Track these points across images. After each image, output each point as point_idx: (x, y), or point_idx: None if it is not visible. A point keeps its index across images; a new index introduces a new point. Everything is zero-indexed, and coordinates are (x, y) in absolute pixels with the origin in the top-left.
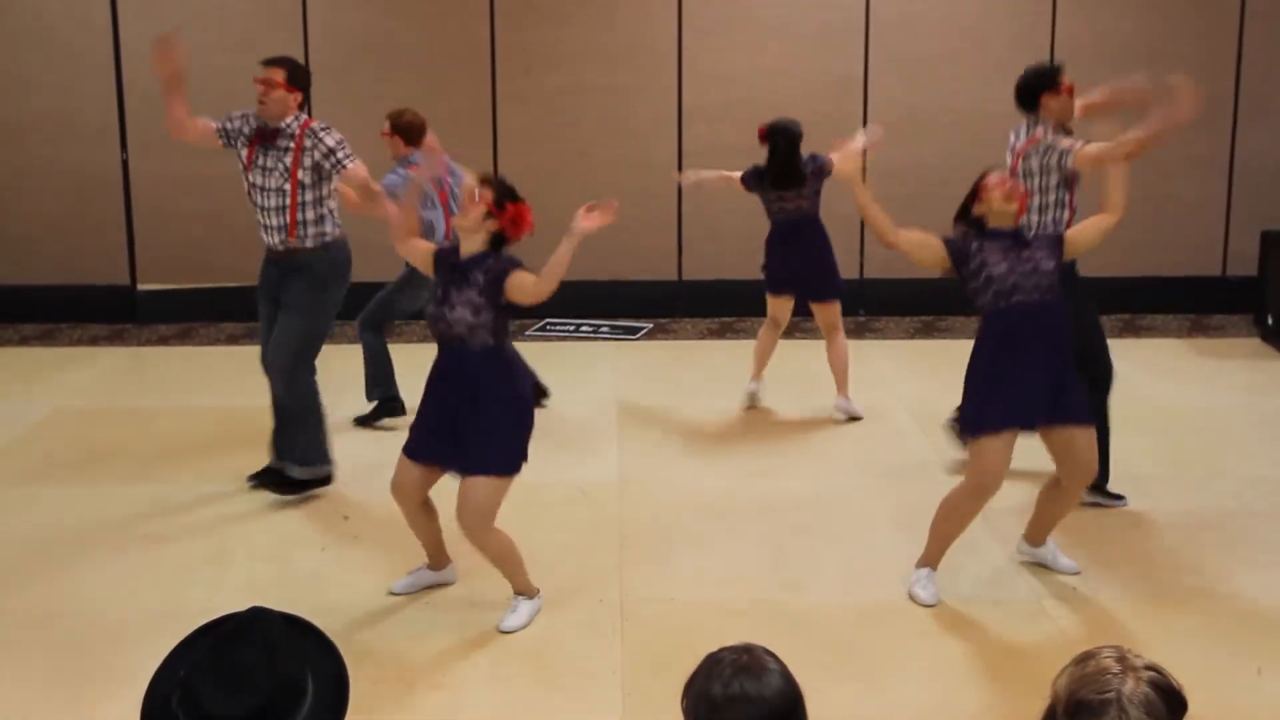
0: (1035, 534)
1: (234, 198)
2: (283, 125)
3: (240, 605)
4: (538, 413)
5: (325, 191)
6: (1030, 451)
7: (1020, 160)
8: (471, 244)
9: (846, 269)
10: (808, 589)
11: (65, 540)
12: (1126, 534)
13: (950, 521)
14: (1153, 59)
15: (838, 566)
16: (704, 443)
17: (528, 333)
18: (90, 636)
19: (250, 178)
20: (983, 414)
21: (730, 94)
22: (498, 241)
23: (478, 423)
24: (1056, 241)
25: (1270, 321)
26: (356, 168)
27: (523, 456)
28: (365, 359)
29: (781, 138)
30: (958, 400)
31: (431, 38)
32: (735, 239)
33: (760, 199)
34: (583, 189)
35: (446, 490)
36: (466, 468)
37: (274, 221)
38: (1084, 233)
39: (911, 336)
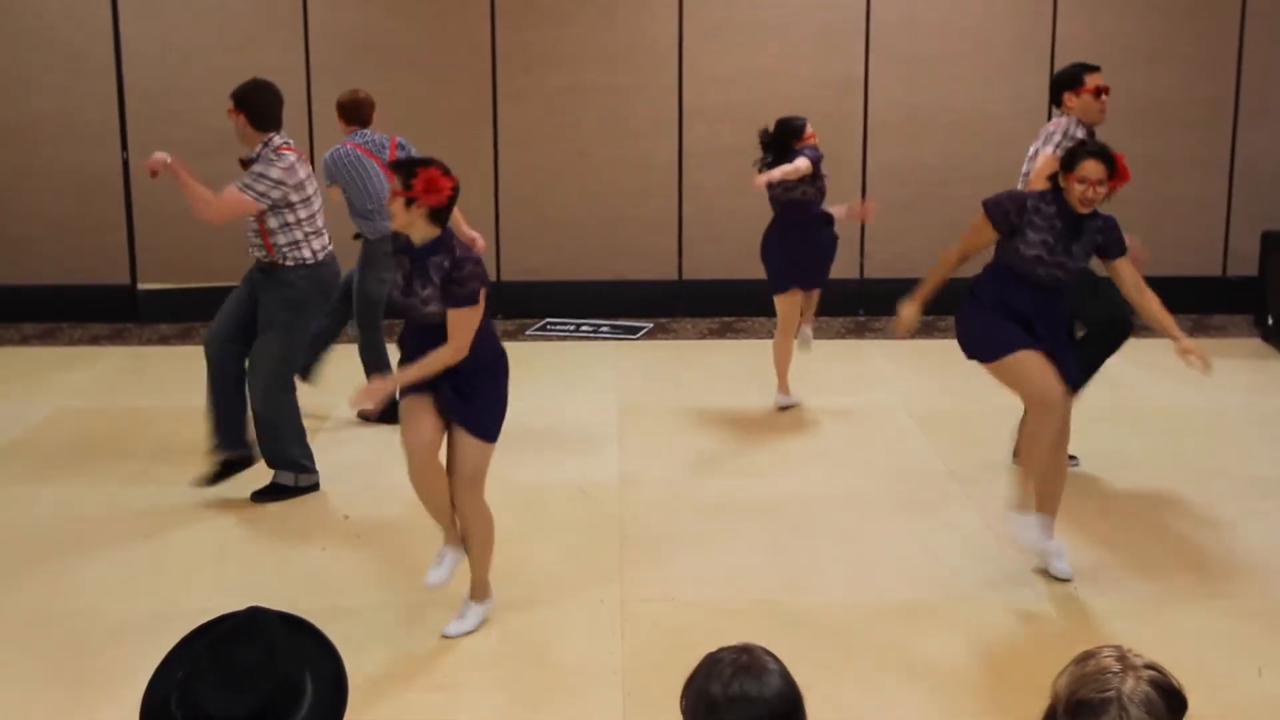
0: (1043, 504)
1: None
2: (252, 154)
3: (240, 605)
4: (539, 414)
5: (293, 217)
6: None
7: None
8: (415, 233)
9: (847, 269)
10: (808, 589)
11: (65, 540)
12: (1127, 534)
13: (1031, 453)
14: (1153, 59)
15: (838, 566)
16: (704, 443)
17: (528, 332)
18: (90, 636)
19: None
20: (994, 339)
21: (730, 94)
22: (435, 217)
23: (467, 385)
24: (1109, 246)
25: (1270, 321)
26: (230, 193)
27: (499, 427)
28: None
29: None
30: (960, 401)
31: (432, 37)
32: (735, 239)
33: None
34: (583, 189)
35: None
36: (466, 420)
37: (254, 241)
38: (1123, 275)
39: (912, 336)
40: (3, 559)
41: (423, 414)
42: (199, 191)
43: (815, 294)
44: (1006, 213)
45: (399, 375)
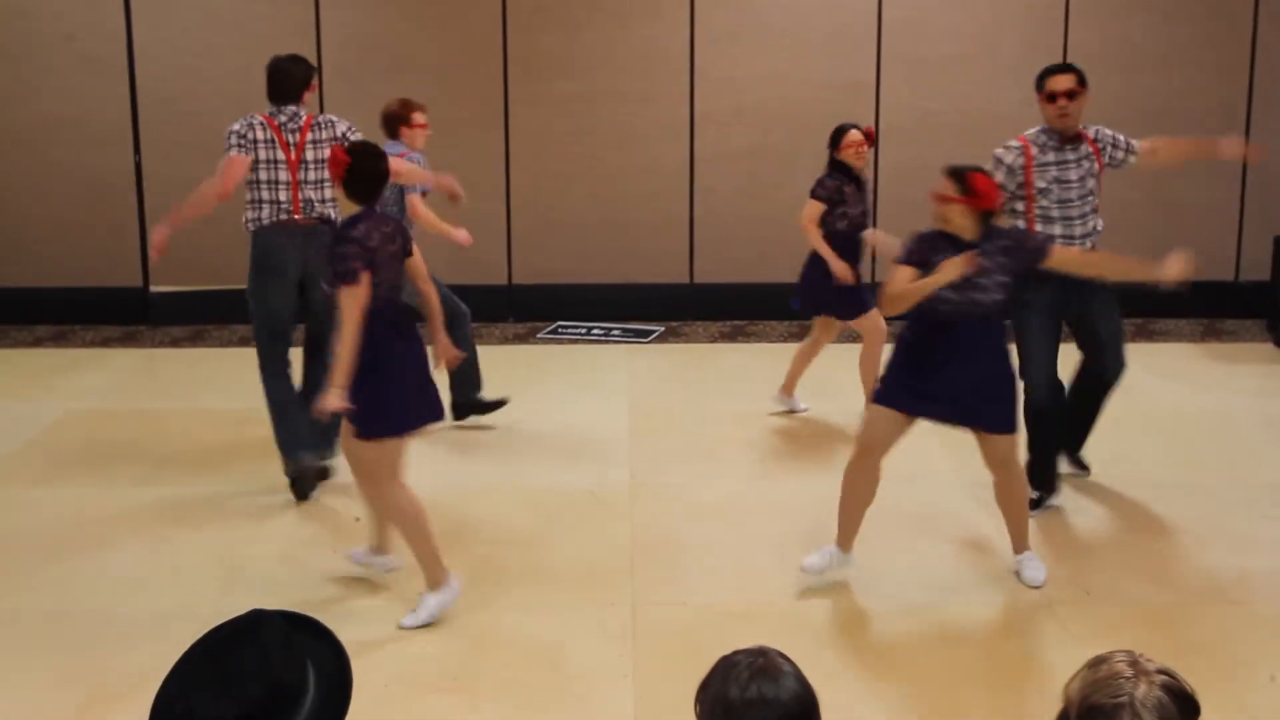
0: (1015, 542)
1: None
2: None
3: (252, 607)
4: (549, 417)
5: (254, 176)
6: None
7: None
8: (344, 209)
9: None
10: (818, 593)
11: (77, 542)
12: (1138, 538)
13: (843, 488)
14: (1165, 62)
15: (849, 570)
16: (715, 446)
17: (539, 335)
18: (102, 637)
19: None
20: (882, 384)
21: (741, 99)
22: (350, 192)
23: (354, 380)
24: (1029, 255)
25: None
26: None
27: (380, 425)
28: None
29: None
30: None
31: (444, 42)
32: (747, 242)
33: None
34: (594, 193)
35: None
36: (348, 416)
37: None
38: (1067, 261)
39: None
40: (15, 560)
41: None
42: (199, 194)
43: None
44: (920, 257)
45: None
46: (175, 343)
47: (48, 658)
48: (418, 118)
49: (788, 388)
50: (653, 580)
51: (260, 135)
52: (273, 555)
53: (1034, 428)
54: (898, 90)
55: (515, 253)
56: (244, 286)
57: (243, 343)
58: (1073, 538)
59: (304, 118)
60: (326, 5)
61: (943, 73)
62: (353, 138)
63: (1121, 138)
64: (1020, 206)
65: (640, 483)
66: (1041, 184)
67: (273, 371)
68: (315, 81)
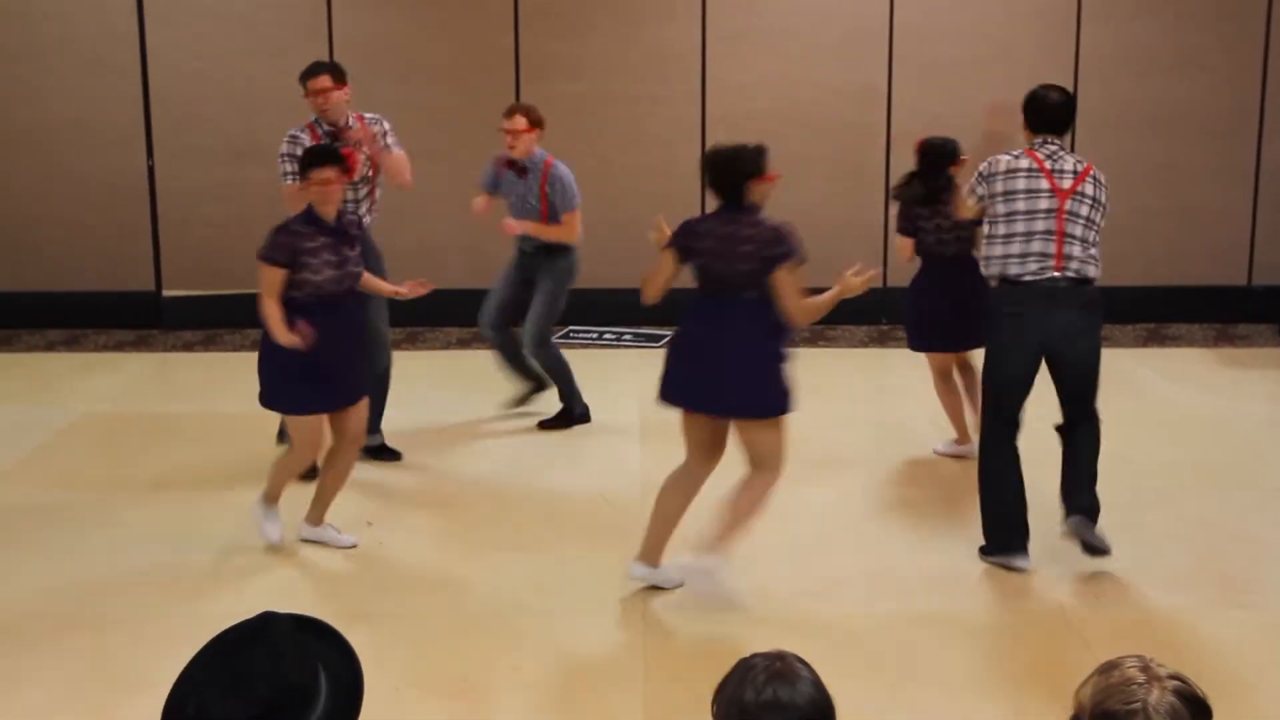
0: (713, 539)
1: (259, 204)
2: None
3: (264, 610)
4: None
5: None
6: (1034, 457)
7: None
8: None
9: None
10: (830, 597)
11: (89, 545)
12: (1150, 543)
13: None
14: (1178, 67)
15: (860, 575)
16: (727, 451)
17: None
18: (114, 641)
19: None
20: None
21: (753, 102)
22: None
23: None
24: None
25: None
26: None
27: (270, 395)
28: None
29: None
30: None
31: (454, 44)
32: None
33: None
34: (605, 196)
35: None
36: None
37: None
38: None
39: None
40: (27, 564)
41: None
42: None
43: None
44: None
45: None
46: (188, 346)
47: (59, 661)
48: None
49: (962, 435)
50: None
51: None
52: (285, 559)
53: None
54: (909, 94)
55: None
56: (255, 291)
57: (255, 346)
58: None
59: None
60: (338, 8)
61: (954, 76)
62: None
63: None
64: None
65: (652, 487)
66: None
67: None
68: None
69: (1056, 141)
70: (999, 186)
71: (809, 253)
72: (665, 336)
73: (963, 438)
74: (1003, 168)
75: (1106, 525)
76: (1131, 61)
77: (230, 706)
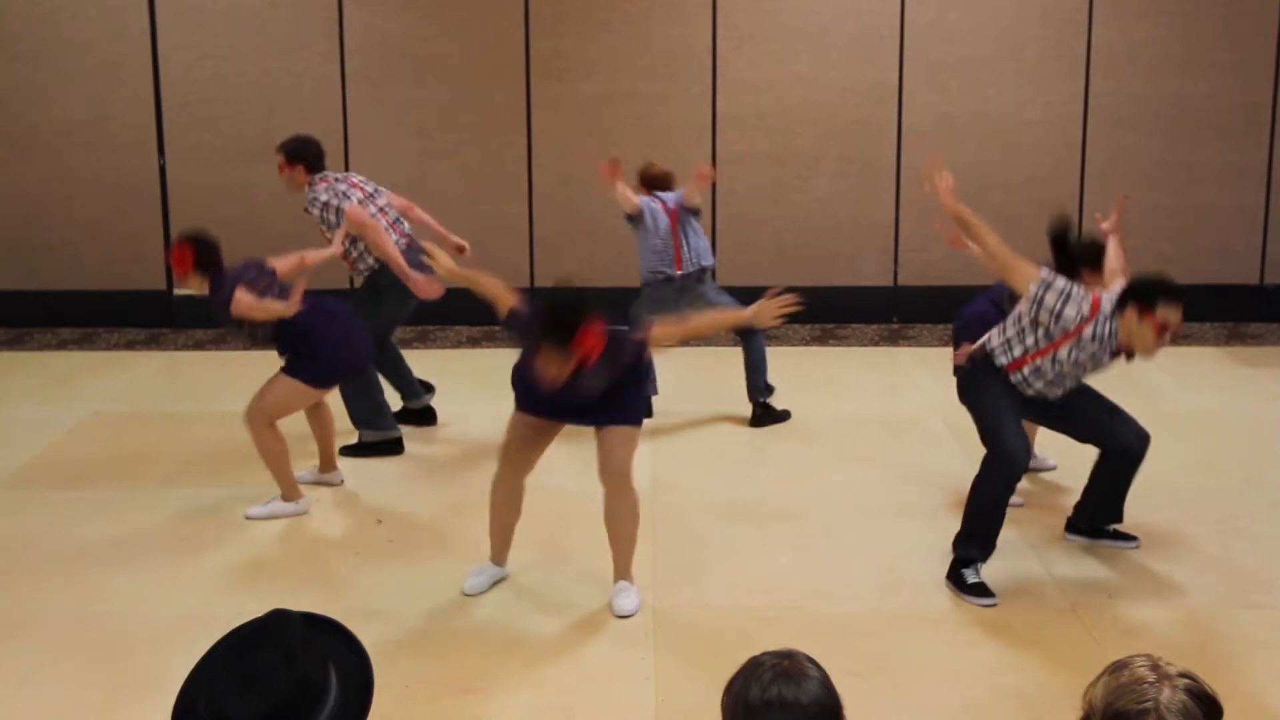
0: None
1: (269, 204)
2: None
3: (274, 608)
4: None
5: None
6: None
7: None
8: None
9: (880, 276)
10: (839, 596)
11: (100, 544)
12: (1160, 541)
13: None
14: (1189, 66)
15: (870, 574)
16: (735, 449)
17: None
18: (126, 639)
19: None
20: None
21: (764, 101)
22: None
23: None
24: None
25: None
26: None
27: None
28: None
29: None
30: None
31: (465, 44)
32: (768, 245)
33: None
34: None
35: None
36: None
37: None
38: (668, 335)
39: (945, 344)
40: (40, 562)
41: None
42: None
43: None
44: None
45: None
46: (199, 345)
47: (70, 659)
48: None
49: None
50: (674, 582)
51: (360, 191)
52: (295, 557)
53: (989, 495)
54: (920, 93)
55: (537, 255)
56: None
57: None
58: (1095, 541)
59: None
60: (349, 8)
61: (965, 75)
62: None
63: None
64: (1035, 338)
65: (661, 484)
66: (1065, 352)
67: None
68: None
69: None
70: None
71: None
72: None
73: None
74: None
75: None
76: (1142, 60)
77: (244, 703)
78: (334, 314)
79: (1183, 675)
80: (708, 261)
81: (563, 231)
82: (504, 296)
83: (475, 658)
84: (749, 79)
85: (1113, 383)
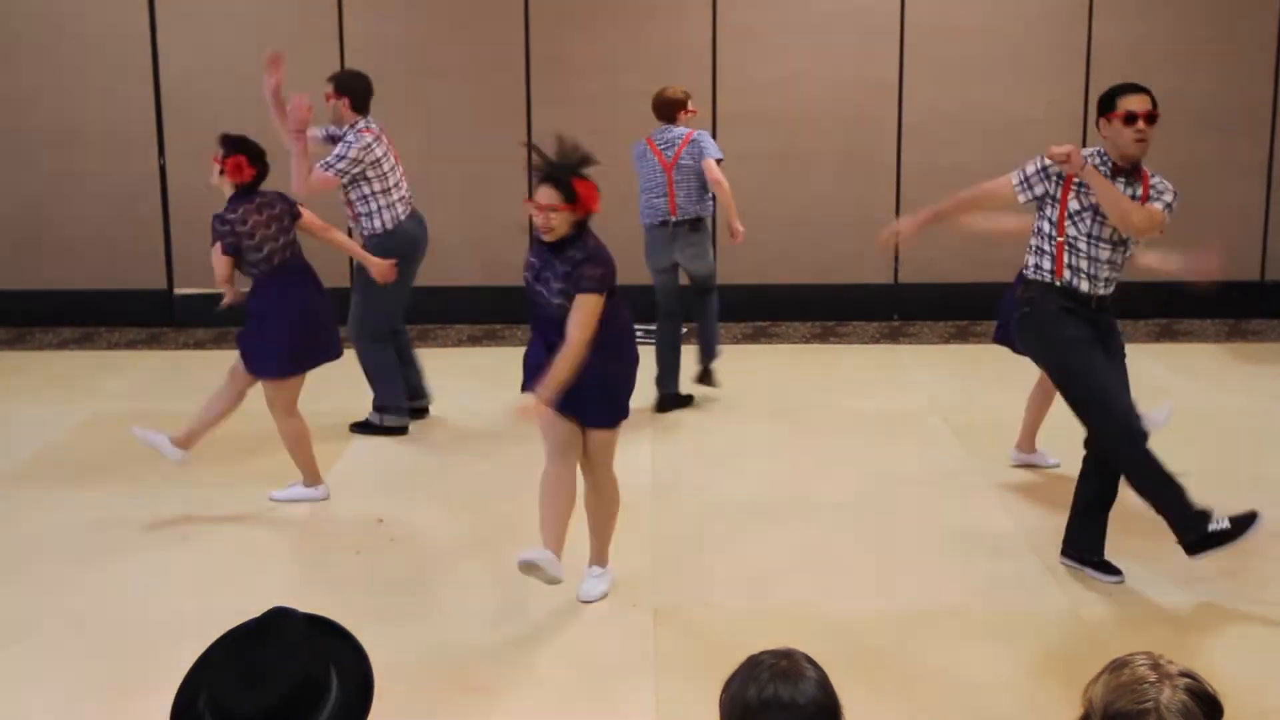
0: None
1: None
2: (340, 131)
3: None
4: None
5: (369, 189)
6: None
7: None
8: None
9: (880, 274)
10: (840, 594)
11: (101, 543)
12: (1162, 540)
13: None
14: (1190, 63)
15: (871, 572)
16: (737, 447)
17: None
18: (126, 638)
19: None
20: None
21: (764, 99)
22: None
23: None
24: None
25: None
26: (317, 172)
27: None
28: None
29: None
30: (993, 406)
31: (466, 43)
32: (770, 243)
33: None
34: (616, 193)
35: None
36: None
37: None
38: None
39: (946, 341)
40: (39, 562)
41: None
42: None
43: None
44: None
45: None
46: (200, 344)
47: (71, 658)
48: (692, 104)
49: (1026, 442)
50: (674, 580)
51: (379, 150)
52: (296, 557)
53: (1139, 467)
54: (921, 90)
55: None
56: None
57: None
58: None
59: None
60: (349, 8)
61: (966, 72)
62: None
63: (1174, 206)
64: (1048, 227)
65: (662, 483)
66: (1075, 205)
67: (378, 346)
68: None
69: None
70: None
71: (820, 247)
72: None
73: (1027, 447)
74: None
75: (1117, 519)
76: (1143, 57)
77: (247, 700)
78: (289, 302)
79: (1183, 674)
80: (701, 211)
81: None
82: None
83: (476, 657)
84: (749, 77)
85: None
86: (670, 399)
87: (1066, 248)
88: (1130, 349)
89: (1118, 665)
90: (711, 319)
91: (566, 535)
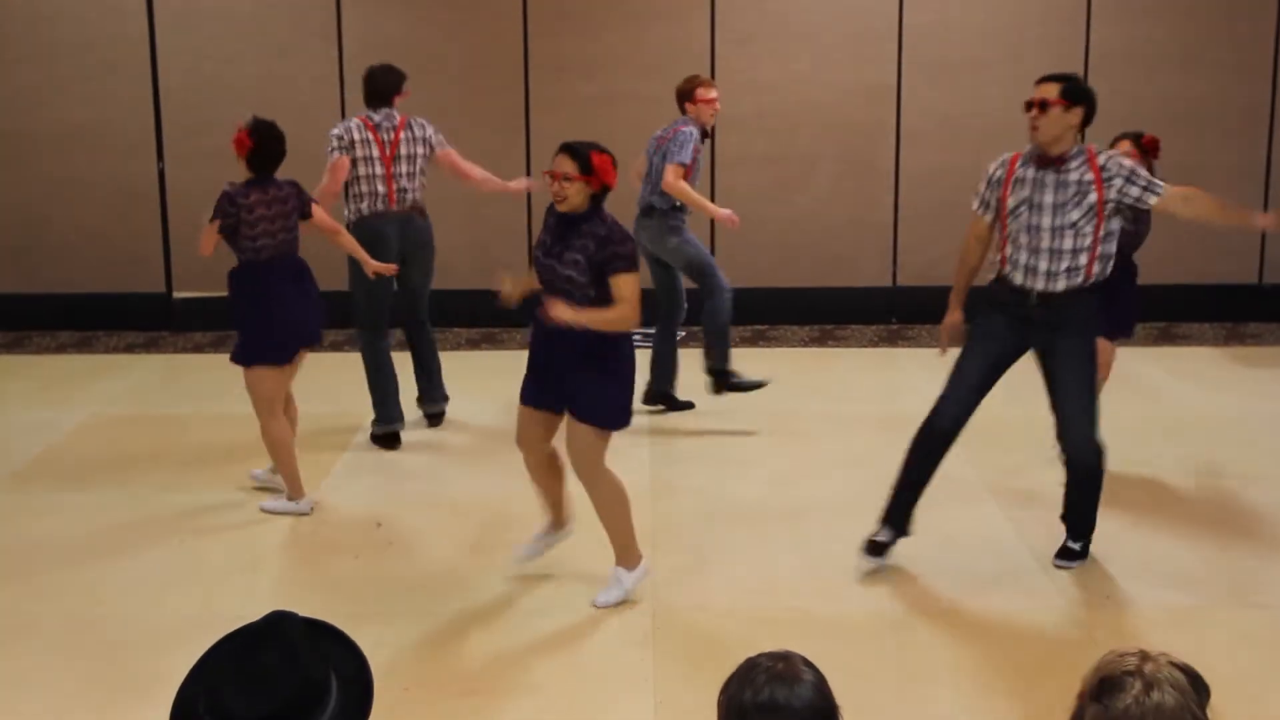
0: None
1: None
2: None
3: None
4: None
5: (354, 173)
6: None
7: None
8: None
9: (879, 276)
10: (840, 597)
11: (100, 546)
12: (1161, 542)
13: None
14: (1188, 65)
15: (869, 574)
16: (736, 450)
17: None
18: (124, 642)
19: None
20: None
21: (762, 102)
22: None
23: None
24: (611, 257)
25: None
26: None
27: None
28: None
29: None
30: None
31: (464, 45)
32: (768, 246)
33: None
34: (614, 195)
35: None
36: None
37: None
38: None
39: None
40: (38, 565)
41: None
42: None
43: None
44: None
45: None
46: (198, 348)
47: (70, 661)
48: (704, 93)
49: None
50: (673, 585)
51: (357, 136)
52: (294, 559)
53: (906, 456)
54: (919, 93)
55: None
56: None
57: None
58: (1094, 541)
59: (398, 119)
60: (348, 9)
61: (964, 76)
62: (438, 139)
63: (1142, 173)
64: (995, 219)
65: (661, 486)
66: (1012, 202)
67: (371, 339)
68: (407, 88)
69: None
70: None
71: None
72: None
73: None
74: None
75: (1116, 521)
76: (1141, 59)
77: (247, 704)
78: (266, 296)
79: (1165, 655)
80: (652, 199)
81: None
82: None
83: (474, 660)
84: (748, 80)
85: (1111, 382)
86: (657, 395)
87: (1009, 241)
88: (1128, 352)
89: (1106, 654)
90: (705, 321)
91: (566, 501)
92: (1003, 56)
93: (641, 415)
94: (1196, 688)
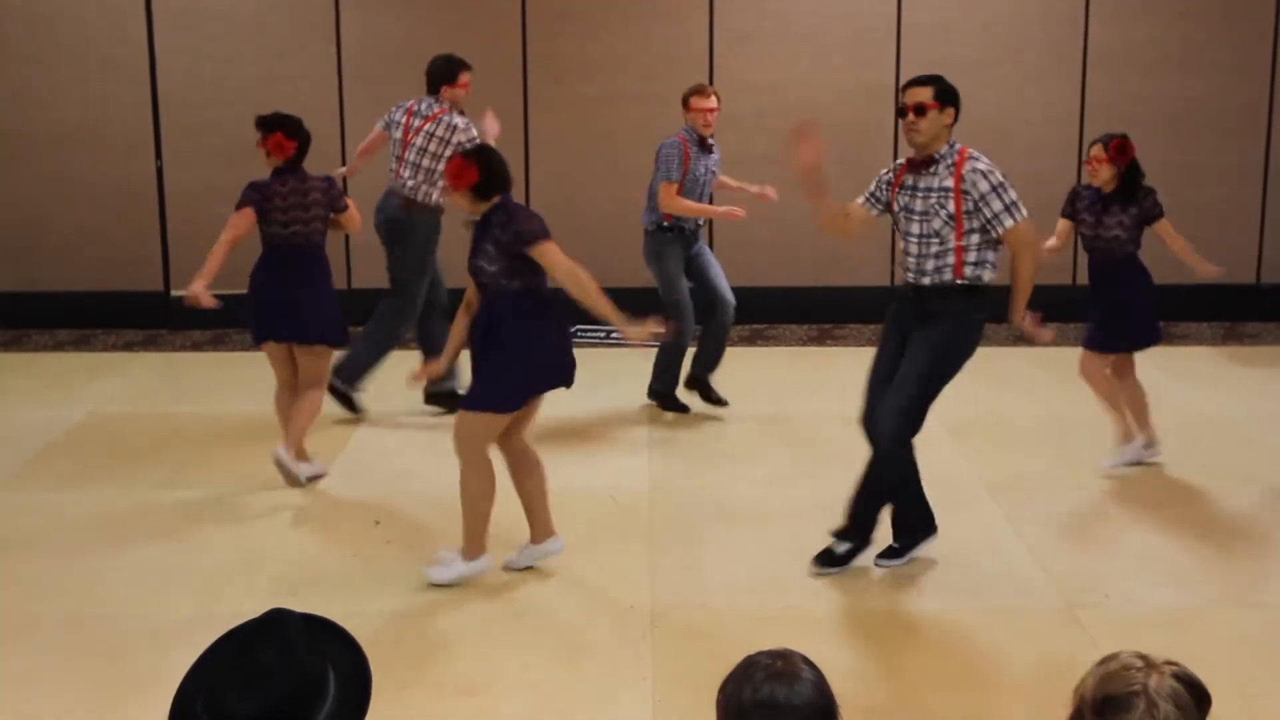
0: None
1: None
2: None
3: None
4: (569, 421)
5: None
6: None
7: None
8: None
9: (878, 276)
10: (838, 597)
11: (99, 544)
12: (1157, 541)
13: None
14: (1187, 65)
15: (868, 573)
16: (734, 449)
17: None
18: (123, 640)
19: None
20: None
21: (762, 102)
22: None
23: None
24: (514, 238)
25: None
26: None
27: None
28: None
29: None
30: (990, 410)
31: (463, 45)
32: (767, 246)
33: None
34: (614, 196)
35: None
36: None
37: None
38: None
39: None
40: (37, 563)
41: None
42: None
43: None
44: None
45: None
46: (196, 346)
47: (69, 659)
48: (696, 102)
49: (1144, 427)
50: (672, 583)
51: (396, 116)
52: (292, 558)
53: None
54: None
55: None
56: None
57: None
58: (1091, 540)
59: (436, 110)
60: (347, 9)
61: (963, 76)
62: (465, 144)
63: (1008, 194)
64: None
65: (659, 486)
66: (896, 206)
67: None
68: (462, 79)
69: None
70: None
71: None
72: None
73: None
74: None
75: (1113, 521)
76: (1140, 59)
77: (245, 701)
78: (268, 278)
79: (1170, 664)
80: (643, 218)
81: (560, 233)
82: None
83: (473, 659)
84: (747, 80)
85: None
86: (656, 393)
87: (901, 241)
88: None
89: (1107, 659)
90: (707, 334)
91: (547, 511)
92: (1002, 57)
93: (640, 416)
94: (1198, 701)
